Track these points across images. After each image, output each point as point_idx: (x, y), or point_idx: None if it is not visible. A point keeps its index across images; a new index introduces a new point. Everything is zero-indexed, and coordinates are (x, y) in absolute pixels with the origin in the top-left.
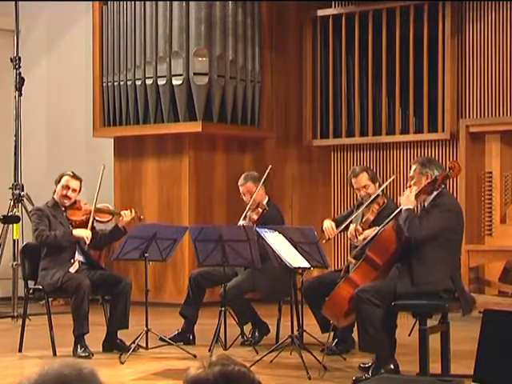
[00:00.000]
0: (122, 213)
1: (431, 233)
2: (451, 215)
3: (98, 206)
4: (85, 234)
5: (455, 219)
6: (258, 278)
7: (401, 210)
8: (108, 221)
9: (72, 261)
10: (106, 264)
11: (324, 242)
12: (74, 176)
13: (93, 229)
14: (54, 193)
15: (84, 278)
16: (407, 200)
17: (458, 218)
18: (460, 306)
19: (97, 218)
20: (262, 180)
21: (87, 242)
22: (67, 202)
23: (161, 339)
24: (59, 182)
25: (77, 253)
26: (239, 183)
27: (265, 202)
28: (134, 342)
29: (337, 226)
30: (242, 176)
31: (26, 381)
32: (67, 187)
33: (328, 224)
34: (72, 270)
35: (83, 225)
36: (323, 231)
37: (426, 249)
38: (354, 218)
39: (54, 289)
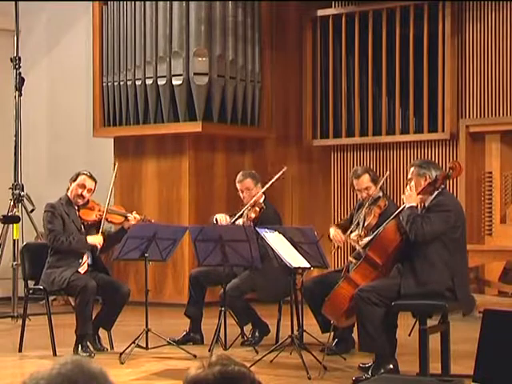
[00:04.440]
0: (128, 216)
1: (433, 233)
2: (451, 214)
3: (111, 207)
4: (97, 240)
5: (456, 218)
6: (258, 279)
7: (402, 209)
8: (120, 223)
9: (81, 261)
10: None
11: (333, 250)
12: (91, 176)
13: (103, 232)
14: (67, 190)
15: (90, 280)
16: (410, 198)
17: (459, 217)
18: (460, 306)
19: (109, 220)
20: (273, 180)
21: (99, 248)
22: (81, 202)
23: (168, 343)
24: (75, 180)
25: (87, 254)
26: (237, 180)
27: (261, 200)
28: (133, 342)
29: (343, 233)
30: (240, 173)
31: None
32: (83, 186)
33: (334, 232)
34: (81, 270)
35: (95, 225)
36: (331, 240)
37: (429, 248)
38: (356, 222)
39: (60, 288)
